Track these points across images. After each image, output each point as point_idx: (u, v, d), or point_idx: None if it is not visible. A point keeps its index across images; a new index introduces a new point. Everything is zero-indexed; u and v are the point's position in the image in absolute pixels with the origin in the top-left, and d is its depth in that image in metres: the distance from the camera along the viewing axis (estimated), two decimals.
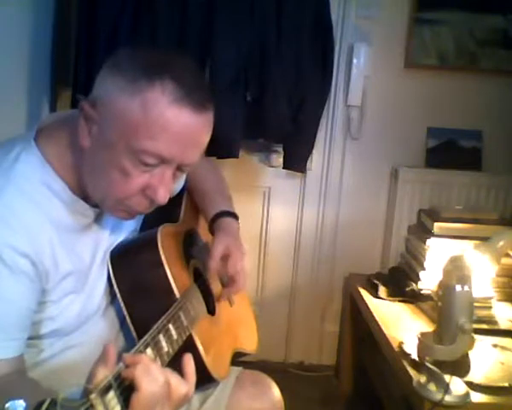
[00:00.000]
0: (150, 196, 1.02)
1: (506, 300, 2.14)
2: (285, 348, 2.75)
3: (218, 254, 1.27)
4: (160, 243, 1.13)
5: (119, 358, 0.84)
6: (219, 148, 2.06)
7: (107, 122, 0.99)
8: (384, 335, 1.92)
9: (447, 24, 2.46)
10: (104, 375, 0.79)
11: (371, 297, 2.24)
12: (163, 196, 1.02)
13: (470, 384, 1.57)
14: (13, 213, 0.98)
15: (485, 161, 2.57)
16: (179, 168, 1.03)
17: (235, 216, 1.37)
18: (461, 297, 1.54)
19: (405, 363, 1.70)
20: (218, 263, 1.27)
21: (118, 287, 1.11)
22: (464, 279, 1.55)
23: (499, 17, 2.46)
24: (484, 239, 1.80)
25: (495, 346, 1.85)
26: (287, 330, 2.74)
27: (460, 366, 1.58)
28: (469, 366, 1.65)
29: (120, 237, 1.19)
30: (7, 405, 0.68)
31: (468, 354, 1.64)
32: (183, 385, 0.89)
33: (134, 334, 1.09)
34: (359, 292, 2.31)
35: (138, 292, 1.11)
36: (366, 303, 2.21)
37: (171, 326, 1.01)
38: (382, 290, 2.25)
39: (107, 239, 1.15)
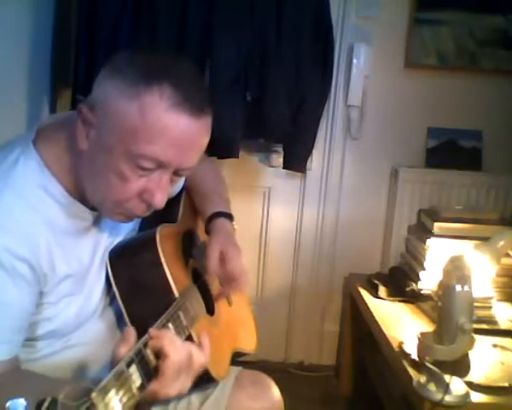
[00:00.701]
0: (147, 200, 1.02)
1: (506, 300, 2.14)
2: (285, 348, 2.75)
3: (216, 255, 1.26)
4: (158, 242, 1.13)
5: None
6: (219, 148, 2.06)
7: (104, 126, 0.99)
8: (384, 335, 1.92)
9: (447, 24, 2.46)
10: (126, 353, 0.86)
11: (371, 297, 2.24)
12: (160, 201, 1.02)
13: (470, 384, 1.57)
14: (11, 217, 0.98)
15: (485, 161, 2.57)
16: (177, 173, 1.03)
17: (230, 217, 1.37)
18: (461, 297, 1.54)
19: (405, 363, 1.70)
20: (217, 264, 1.27)
21: (116, 287, 1.11)
22: (464, 279, 1.55)
23: (499, 17, 2.46)
24: (484, 239, 1.79)
25: (495, 346, 1.84)
26: (287, 330, 2.74)
27: (460, 366, 1.58)
28: (469, 366, 1.65)
29: (118, 239, 1.19)
30: (7, 404, 0.68)
31: (468, 354, 1.63)
32: (201, 355, 1.00)
33: None
34: (359, 292, 2.31)
35: (137, 292, 1.11)
36: (366, 303, 2.21)
37: (170, 326, 1.02)
38: (382, 290, 2.25)
39: (106, 241, 1.15)
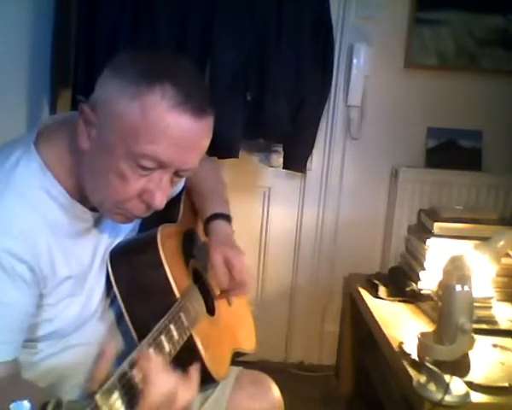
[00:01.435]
0: (147, 201, 1.02)
1: (506, 300, 2.14)
2: (285, 348, 2.75)
3: (221, 264, 1.27)
4: (159, 243, 1.13)
5: (119, 359, 0.84)
6: (219, 148, 2.06)
7: (106, 125, 0.99)
8: (384, 335, 1.92)
9: (447, 24, 2.45)
10: (103, 375, 0.80)
11: (371, 297, 2.24)
12: (160, 201, 1.02)
13: (470, 384, 1.57)
14: (11, 219, 0.98)
15: (485, 161, 2.57)
16: (177, 173, 1.03)
17: (228, 219, 1.37)
18: (461, 297, 1.54)
19: (405, 363, 1.70)
20: (225, 272, 1.27)
21: (117, 287, 1.11)
22: (464, 279, 1.55)
23: (499, 17, 2.46)
24: (484, 239, 1.79)
25: (495, 346, 1.84)
26: (287, 330, 2.74)
27: (460, 366, 1.58)
28: (469, 366, 1.65)
29: (119, 240, 1.18)
30: (11, 406, 0.68)
31: (468, 354, 1.64)
32: (187, 392, 0.91)
33: (134, 334, 1.09)
34: (359, 292, 2.31)
35: (138, 292, 1.11)
36: (366, 303, 2.21)
37: (172, 327, 1.02)
38: (382, 290, 2.25)
39: (106, 242, 1.15)
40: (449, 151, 2.56)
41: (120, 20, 2.08)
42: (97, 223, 1.13)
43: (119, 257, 1.14)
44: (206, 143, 1.04)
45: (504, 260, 1.92)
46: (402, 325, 2.00)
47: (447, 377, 1.48)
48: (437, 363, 1.53)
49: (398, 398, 1.86)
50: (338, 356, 2.71)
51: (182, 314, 1.08)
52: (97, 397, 0.73)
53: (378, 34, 2.47)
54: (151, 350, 0.91)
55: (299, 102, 2.24)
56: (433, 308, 2.02)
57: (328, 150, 2.57)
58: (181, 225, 1.35)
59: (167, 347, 0.97)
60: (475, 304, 1.60)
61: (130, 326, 1.09)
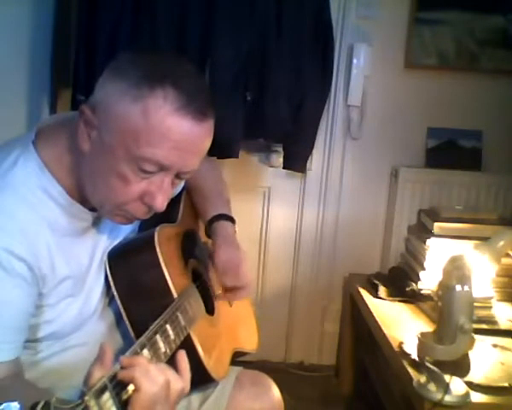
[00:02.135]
0: (148, 203, 1.02)
1: (506, 300, 2.14)
2: (285, 348, 2.74)
3: (224, 265, 1.27)
4: (157, 243, 1.13)
5: (117, 358, 0.84)
6: (219, 148, 2.05)
7: (107, 127, 0.98)
8: (384, 335, 1.92)
9: (447, 24, 2.45)
10: (100, 375, 0.80)
11: (371, 297, 2.24)
12: (161, 204, 1.02)
13: (470, 384, 1.57)
14: (10, 218, 0.98)
15: (485, 161, 2.57)
16: (178, 176, 1.03)
17: (231, 220, 1.37)
18: (461, 297, 1.54)
19: (405, 363, 1.70)
20: (229, 274, 1.28)
21: (115, 288, 1.11)
22: (464, 279, 1.55)
23: (499, 17, 2.46)
24: (484, 239, 1.80)
25: (495, 346, 1.85)
26: (287, 330, 2.73)
27: (460, 366, 1.58)
28: (469, 366, 1.65)
29: (118, 240, 1.18)
30: (1, 407, 0.68)
31: (468, 354, 1.64)
32: (179, 382, 0.91)
33: (132, 335, 1.09)
34: (359, 292, 2.31)
35: (136, 293, 1.11)
36: (366, 303, 2.21)
37: (168, 326, 1.01)
38: (382, 290, 2.25)
39: (105, 242, 1.15)
40: (449, 151, 2.56)
41: (120, 20, 2.08)
42: (96, 223, 1.13)
43: (117, 258, 1.14)
44: (207, 145, 1.04)
45: (504, 260, 1.92)
46: (402, 325, 2.00)
47: (447, 377, 1.48)
48: (437, 363, 1.53)
49: (398, 398, 1.86)
50: (338, 356, 2.70)
51: (179, 314, 1.08)
52: (87, 398, 0.73)
53: (378, 34, 2.47)
54: (145, 351, 0.91)
55: (299, 102, 2.24)
56: (433, 308, 2.02)
57: (328, 150, 2.57)
58: (180, 225, 1.35)
59: (163, 347, 0.97)
60: (475, 304, 1.60)
61: (129, 327, 1.09)
